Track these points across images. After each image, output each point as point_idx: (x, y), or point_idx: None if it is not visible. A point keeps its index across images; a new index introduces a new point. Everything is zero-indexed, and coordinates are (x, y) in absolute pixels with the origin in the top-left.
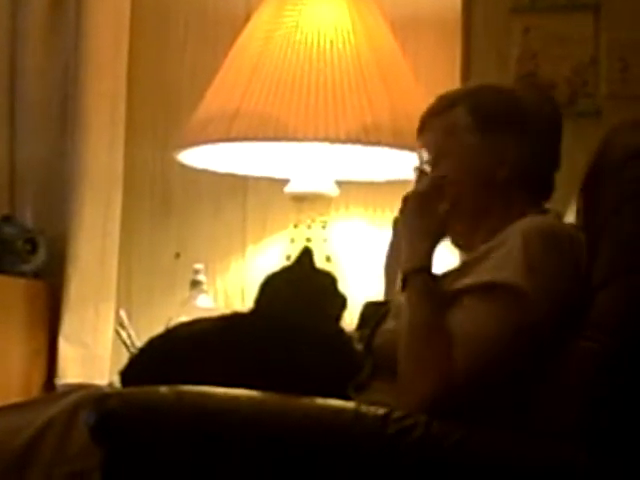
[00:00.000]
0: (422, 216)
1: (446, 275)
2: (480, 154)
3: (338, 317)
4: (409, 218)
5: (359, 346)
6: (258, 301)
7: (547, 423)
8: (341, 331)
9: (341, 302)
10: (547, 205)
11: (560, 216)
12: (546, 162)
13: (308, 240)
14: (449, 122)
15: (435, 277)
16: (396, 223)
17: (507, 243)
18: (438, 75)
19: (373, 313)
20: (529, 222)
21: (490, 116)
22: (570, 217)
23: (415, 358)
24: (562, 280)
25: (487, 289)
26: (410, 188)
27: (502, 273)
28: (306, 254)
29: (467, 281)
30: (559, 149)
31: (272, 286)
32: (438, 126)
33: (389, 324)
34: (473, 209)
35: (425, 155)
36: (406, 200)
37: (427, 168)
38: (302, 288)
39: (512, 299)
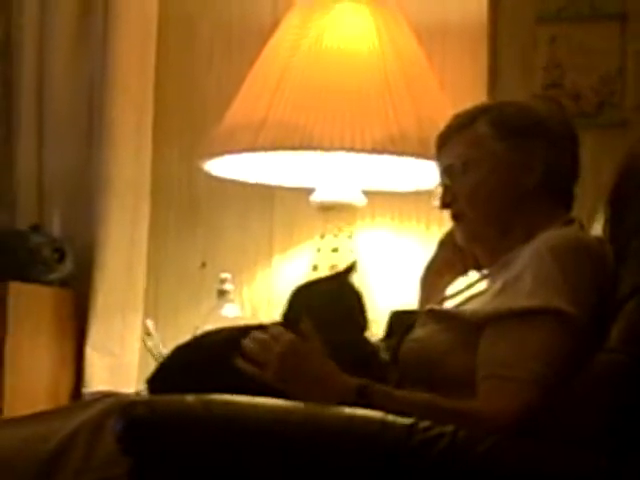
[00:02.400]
0: (303, 366)
1: (473, 295)
2: (507, 161)
3: (363, 328)
4: (294, 379)
5: (385, 356)
6: (286, 314)
7: (571, 431)
8: (367, 341)
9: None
10: (571, 215)
11: (583, 226)
12: (569, 171)
13: (334, 250)
14: (472, 135)
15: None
16: (442, 239)
17: (538, 261)
18: (464, 84)
19: (400, 322)
20: (558, 236)
21: (512, 126)
22: (597, 227)
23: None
24: (594, 293)
25: (526, 315)
26: (435, 200)
27: (539, 296)
28: (352, 268)
29: (503, 305)
30: (578, 160)
31: (304, 295)
32: (461, 140)
33: (416, 333)
34: (501, 217)
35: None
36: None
37: (447, 181)
38: (334, 300)
39: (554, 322)
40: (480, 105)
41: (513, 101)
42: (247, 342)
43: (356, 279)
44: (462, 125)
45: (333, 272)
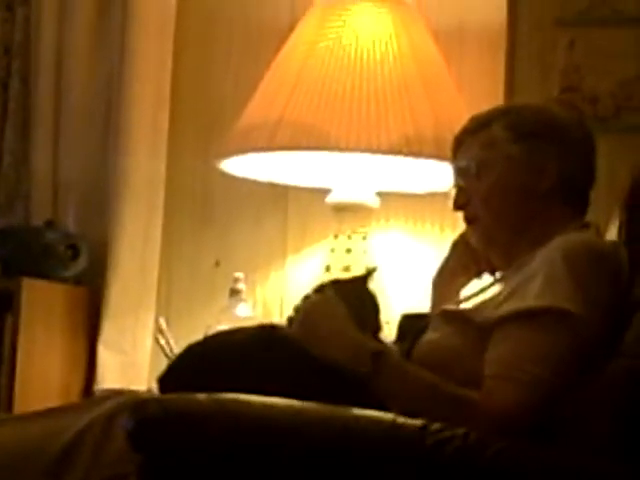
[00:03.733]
0: (325, 321)
1: (486, 301)
2: (522, 164)
3: (377, 330)
4: (313, 331)
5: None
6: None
7: (586, 438)
8: (380, 343)
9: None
10: (587, 219)
11: (599, 230)
12: (585, 175)
13: (348, 251)
14: (487, 138)
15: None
16: (456, 240)
17: (550, 263)
18: (482, 86)
19: (410, 326)
20: (570, 240)
21: (528, 129)
22: (612, 231)
23: (450, 412)
24: (605, 297)
25: (532, 315)
26: (450, 201)
27: (546, 297)
28: (371, 273)
29: (511, 307)
30: (595, 164)
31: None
32: (476, 142)
33: (429, 336)
34: (515, 220)
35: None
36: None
37: (462, 183)
38: (347, 302)
39: (560, 323)
40: (497, 108)
41: (530, 104)
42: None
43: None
44: (478, 127)
45: (352, 276)
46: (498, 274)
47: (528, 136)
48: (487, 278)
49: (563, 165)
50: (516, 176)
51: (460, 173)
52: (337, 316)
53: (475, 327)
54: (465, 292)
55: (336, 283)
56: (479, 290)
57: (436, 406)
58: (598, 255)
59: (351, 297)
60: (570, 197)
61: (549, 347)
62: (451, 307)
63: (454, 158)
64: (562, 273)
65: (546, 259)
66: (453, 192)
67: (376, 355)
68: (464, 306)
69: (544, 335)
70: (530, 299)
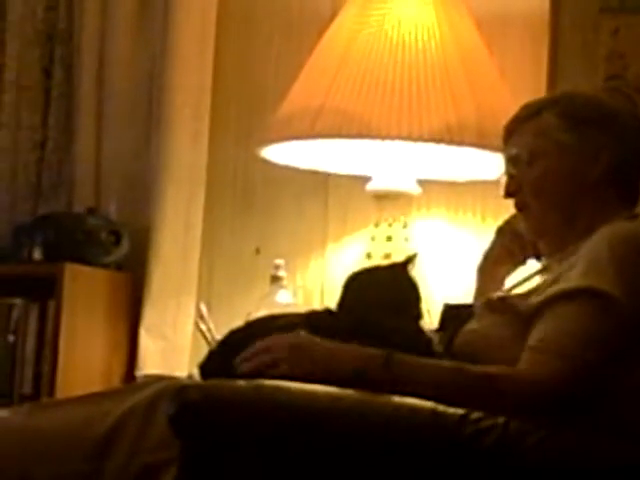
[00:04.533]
0: (317, 346)
1: (531, 290)
2: (574, 152)
3: (418, 317)
4: (310, 359)
5: (439, 348)
6: (342, 299)
7: (627, 425)
8: (421, 332)
9: (420, 308)
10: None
11: None
12: (636, 164)
13: (389, 239)
14: (539, 126)
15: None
16: (501, 226)
17: (594, 248)
18: (525, 74)
19: (452, 316)
20: (617, 227)
21: (579, 117)
22: None
23: (481, 390)
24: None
25: (571, 296)
26: (499, 190)
27: (587, 279)
28: (411, 260)
29: (555, 289)
30: None
31: (359, 283)
32: (527, 130)
33: (472, 325)
34: (566, 207)
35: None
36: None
37: (513, 171)
38: (389, 289)
39: (600, 305)
40: (548, 96)
41: (581, 92)
42: (247, 351)
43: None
44: (529, 115)
45: (391, 262)
46: (544, 261)
47: (580, 124)
48: (532, 266)
49: (615, 153)
50: (568, 164)
51: (511, 161)
52: (321, 342)
53: (519, 316)
54: (510, 280)
55: (372, 270)
56: (523, 279)
57: (466, 388)
58: None
59: (389, 283)
60: (621, 186)
61: (589, 327)
62: (495, 296)
63: (505, 146)
64: (606, 258)
65: (592, 246)
66: (503, 180)
67: (388, 355)
68: (508, 295)
69: (584, 315)
70: (572, 280)
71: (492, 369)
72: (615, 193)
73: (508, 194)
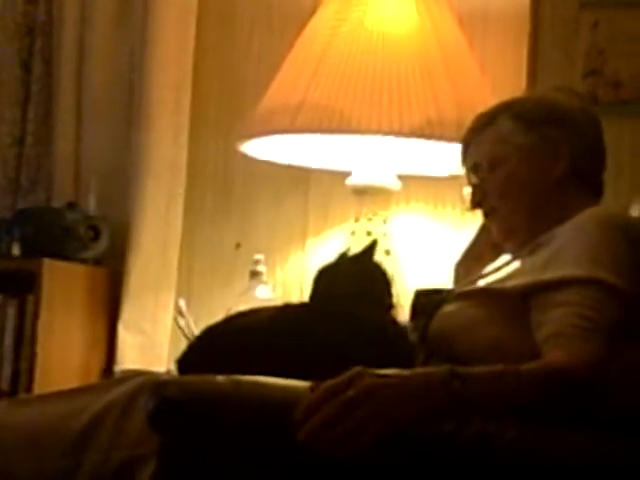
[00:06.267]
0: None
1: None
2: (534, 153)
3: (389, 307)
4: (393, 412)
5: (413, 336)
6: (314, 292)
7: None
8: (393, 320)
9: (390, 297)
10: (609, 203)
11: None
12: (596, 158)
13: (368, 234)
14: (495, 132)
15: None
16: (483, 225)
17: (581, 233)
18: (505, 70)
19: (425, 302)
20: (598, 211)
21: (534, 118)
22: (635, 215)
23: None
24: (636, 270)
25: (574, 283)
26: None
27: (585, 266)
28: (373, 247)
29: (545, 276)
30: (604, 148)
31: (328, 276)
32: (485, 139)
33: (445, 308)
34: (533, 207)
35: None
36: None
37: (476, 181)
38: (359, 279)
39: (603, 294)
40: (499, 103)
41: (532, 94)
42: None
43: (388, 262)
44: (484, 124)
45: (355, 252)
46: (511, 255)
47: (535, 124)
48: (505, 256)
49: (574, 149)
50: (530, 165)
51: (473, 171)
52: (383, 380)
53: (499, 297)
54: (485, 270)
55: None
56: (494, 269)
57: (526, 391)
58: (629, 226)
59: (358, 274)
60: (585, 181)
61: (599, 310)
62: (467, 288)
63: (464, 158)
64: (596, 241)
65: (577, 228)
66: (468, 193)
67: (453, 376)
68: (483, 282)
69: (589, 299)
70: (567, 268)
71: (538, 364)
72: (580, 188)
73: (475, 205)
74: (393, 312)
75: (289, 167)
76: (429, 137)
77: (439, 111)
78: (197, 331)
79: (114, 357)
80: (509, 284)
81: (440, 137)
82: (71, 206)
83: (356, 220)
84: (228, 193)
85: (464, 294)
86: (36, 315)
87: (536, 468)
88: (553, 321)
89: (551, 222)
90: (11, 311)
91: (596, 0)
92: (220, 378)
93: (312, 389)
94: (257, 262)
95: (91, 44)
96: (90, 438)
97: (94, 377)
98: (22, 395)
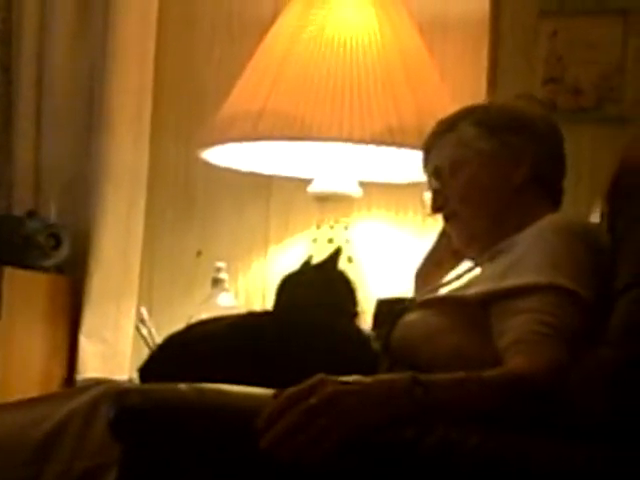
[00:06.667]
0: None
1: (470, 281)
2: (495, 158)
3: (354, 315)
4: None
5: (376, 345)
6: (277, 301)
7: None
8: (357, 329)
9: (355, 305)
10: (569, 210)
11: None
12: (557, 165)
13: (330, 241)
14: (457, 137)
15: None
16: (443, 230)
17: (541, 240)
18: (465, 77)
19: (387, 311)
20: (557, 218)
21: (496, 124)
22: (594, 221)
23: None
24: (595, 276)
25: (536, 290)
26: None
27: (546, 273)
28: (336, 255)
29: (506, 283)
30: (564, 155)
31: (292, 285)
32: (446, 143)
33: (407, 317)
34: (493, 212)
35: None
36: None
37: (437, 185)
38: (323, 288)
39: (564, 300)
40: (461, 109)
41: (494, 102)
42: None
43: (350, 269)
44: (445, 129)
45: (319, 261)
46: (477, 259)
47: (497, 130)
48: (465, 264)
49: (535, 156)
50: (491, 170)
51: (434, 175)
52: (345, 386)
53: (460, 305)
54: (445, 278)
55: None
56: (457, 276)
57: (488, 398)
58: (588, 233)
59: (321, 283)
60: (545, 188)
61: (559, 316)
62: (428, 296)
63: (425, 162)
64: (556, 249)
65: (537, 235)
66: (428, 198)
67: (411, 388)
68: (444, 291)
69: (550, 305)
70: (528, 275)
71: (500, 370)
72: (540, 195)
73: (436, 209)
74: (357, 320)
75: (250, 174)
76: (390, 144)
77: (400, 118)
78: (159, 339)
79: (75, 366)
80: (469, 292)
81: (401, 144)
82: (31, 214)
83: (318, 227)
84: (189, 200)
85: (426, 302)
86: None
87: (499, 474)
88: (514, 329)
89: (511, 228)
90: None
91: (555, 8)
92: (182, 386)
93: (275, 397)
94: (219, 270)
95: (50, 52)
96: (52, 447)
97: (55, 386)
98: None
